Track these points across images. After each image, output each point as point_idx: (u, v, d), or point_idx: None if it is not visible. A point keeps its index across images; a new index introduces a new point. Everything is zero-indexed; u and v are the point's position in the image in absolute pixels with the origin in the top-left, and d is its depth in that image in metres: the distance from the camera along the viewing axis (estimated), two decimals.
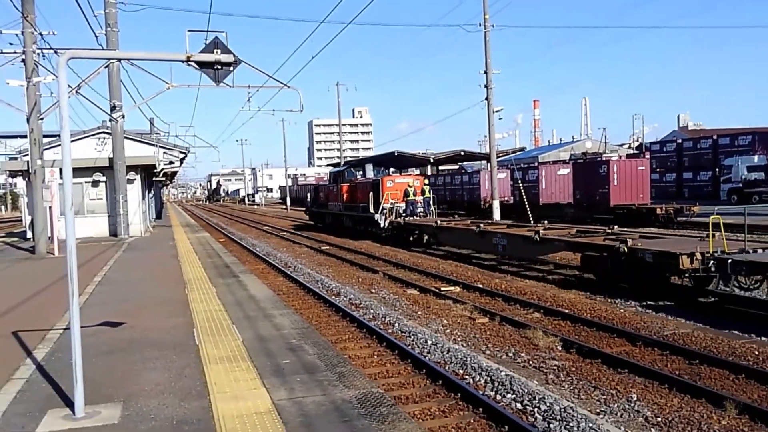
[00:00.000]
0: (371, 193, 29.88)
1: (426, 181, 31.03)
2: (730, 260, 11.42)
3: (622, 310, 12.33)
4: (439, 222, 24.67)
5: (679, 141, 54.33)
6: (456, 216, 33.46)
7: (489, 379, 8.18)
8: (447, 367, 8.86)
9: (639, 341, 9.94)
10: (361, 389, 6.46)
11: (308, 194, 50.07)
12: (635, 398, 7.55)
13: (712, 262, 11.84)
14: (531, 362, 9.31)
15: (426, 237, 25.67)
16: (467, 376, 8.44)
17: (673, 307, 12.25)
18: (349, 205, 33.43)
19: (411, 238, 26.36)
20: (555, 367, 8.99)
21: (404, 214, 27.53)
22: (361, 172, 34.73)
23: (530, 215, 29.88)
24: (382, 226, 27.95)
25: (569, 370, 8.81)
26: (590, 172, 35.24)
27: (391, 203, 28.15)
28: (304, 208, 51.57)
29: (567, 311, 12.26)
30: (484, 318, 12.17)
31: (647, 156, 49.63)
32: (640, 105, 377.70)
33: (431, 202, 28.66)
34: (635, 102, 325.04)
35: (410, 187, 28.35)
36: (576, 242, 16.25)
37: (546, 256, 18.67)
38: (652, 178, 37.88)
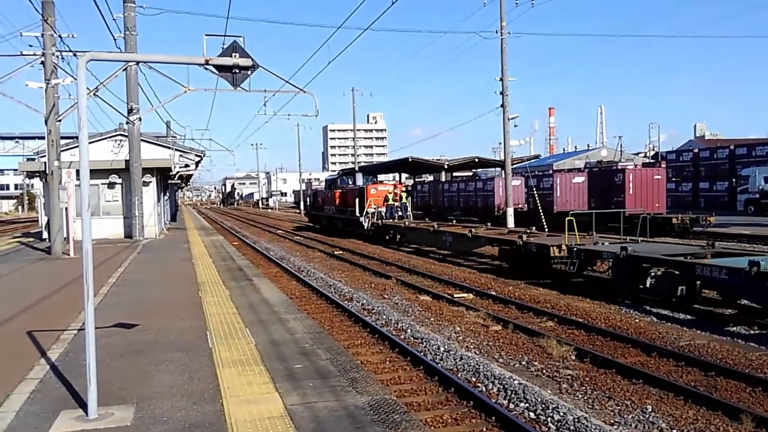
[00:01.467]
0: (357, 199, 34.06)
1: (404, 189, 35.73)
2: (575, 249, 15.90)
3: (636, 320, 12.22)
4: (407, 223, 30.07)
5: (696, 150, 53.83)
6: (470, 223, 33.55)
7: (502, 387, 8.13)
8: (459, 375, 8.81)
9: (654, 352, 9.84)
10: (374, 395, 6.43)
11: (308, 198, 54.87)
12: (650, 409, 7.46)
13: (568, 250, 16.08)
14: (544, 371, 9.24)
15: (398, 236, 30.37)
16: (480, 384, 8.39)
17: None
18: (341, 208, 37.96)
19: (387, 237, 31.07)
20: (569, 377, 8.91)
21: (385, 217, 31.95)
22: (352, 180, 39.12)
23: (545, 223, 29.72)
24: (365, 227, 32.57)
25: (583, 380, 8.73)
26: (605, 181, 35.00)
27: (374, 207, 32.73)
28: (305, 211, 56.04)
29: (581, 320, 12.17)
30: (497, 325, 12.11)
31: (663, 165, 49.37)
32: (657, 114, 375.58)
33: (408, 206, 33.55)
34: (651, 111, 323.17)
35: (390, 193, 32.96)
36: (493, 238, 21.06)
37: (478, 249, 23.26)
38: (668, 188, 37.58)
